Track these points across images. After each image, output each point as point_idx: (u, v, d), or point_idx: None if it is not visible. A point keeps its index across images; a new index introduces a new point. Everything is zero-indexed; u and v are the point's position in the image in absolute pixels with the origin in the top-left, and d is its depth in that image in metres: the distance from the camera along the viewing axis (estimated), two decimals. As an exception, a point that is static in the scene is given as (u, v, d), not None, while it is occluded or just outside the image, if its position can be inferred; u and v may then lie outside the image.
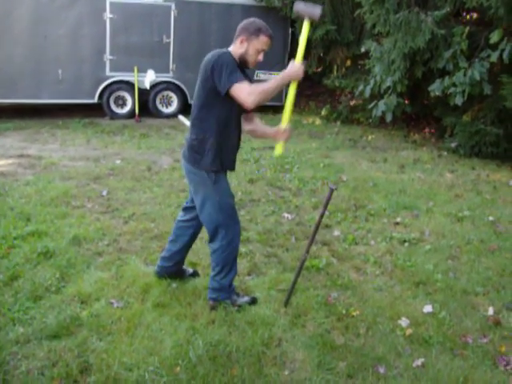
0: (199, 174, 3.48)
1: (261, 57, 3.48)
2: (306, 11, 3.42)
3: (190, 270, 4.25)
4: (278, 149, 3.60)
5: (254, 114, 3.79)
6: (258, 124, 3.81)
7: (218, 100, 3.35)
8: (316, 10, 3.41)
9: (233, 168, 3.66)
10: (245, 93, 3.21)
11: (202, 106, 3.42)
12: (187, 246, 4.01)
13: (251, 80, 3.49)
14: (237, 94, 3.23)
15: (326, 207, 3.50)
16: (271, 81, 3.33)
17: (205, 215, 3.58)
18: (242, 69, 3.46)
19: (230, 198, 3.61)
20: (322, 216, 3.52)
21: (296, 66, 3.33)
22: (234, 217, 3.62)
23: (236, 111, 3.48)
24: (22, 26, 10.74)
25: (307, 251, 3.65)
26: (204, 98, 3.40)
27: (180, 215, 3.97)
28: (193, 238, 3.97)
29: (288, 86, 3.42)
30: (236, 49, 3.42)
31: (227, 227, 3.57)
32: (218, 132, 3.44)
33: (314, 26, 12.41)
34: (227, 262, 3.64)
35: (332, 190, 3.41)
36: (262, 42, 3.40)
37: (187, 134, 3.60)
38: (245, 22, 3.46)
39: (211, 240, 3.64)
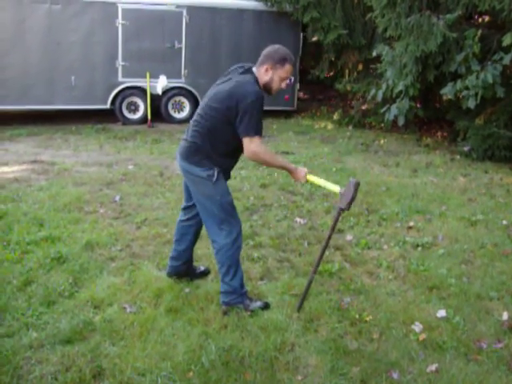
0: (199, 174, 3.53)
1: (284, 84, 3.59)
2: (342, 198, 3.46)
3: (201, 268, 4.34)
4: None
5: None
6: None
7: (232, 129, 3.44)
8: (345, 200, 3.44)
9: (227, 178, 3.73)
10: (254, 149, 3.39)
11: (216, 126, 3.49)
12: (192, 244, 4.10)
13: None
14: (248, 144, 3.38)
15: (333, 228, 3.54)
16: (280, 160, 3.69)
17: (207, 214, 3.64)
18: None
19: (230, 195, 3.66)
20: (329, 237, 3.57)
21: (303, 175, 3.61)
22: (234, 214, 3.66)
23: None
24: (35, 33, 10.85)
25: (314, 272, 3.68)
26: (220, 121, 3.47)
27: (180, 215, 4.06)
28: (196, 235, 4.06)
29: None
30: (261, 76, 3.52)
31: (230, 225, 3.61)
32: (222, 152, 3.54)
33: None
34: (233, 262, 3.65)
35: (341, 210, 3.45)
36: (286, 70, 3.52)
37: (187, 135, 3.65)
38: (269, 49, 3.56)
39: (214, 239, 3.67)
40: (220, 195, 3.55)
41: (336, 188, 3.51)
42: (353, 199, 3.40)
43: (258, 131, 3.38)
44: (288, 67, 3.50)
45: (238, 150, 3.53)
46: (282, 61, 3.48)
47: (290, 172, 3.65)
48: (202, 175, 3.51)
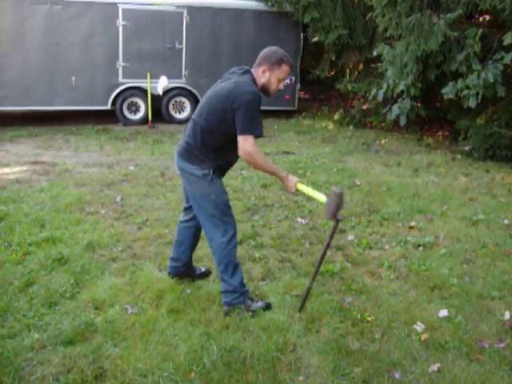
0: (195, 173, 3.55)
1: (282, 85, 3.61)
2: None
3: (202, 269, 4.34)
4: None
5: None
6: None
7: (230, 129, 3.43)
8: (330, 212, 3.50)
9: (222, 176, 3.74)
10: (248, 148, 3.36)
11: (213, 125, 3.50)
12: (192, 246, 4.11)
13: None
14: (243, 142, 3.36)
15: (331, 238, 3.56)
16: (272, 165, 3.63)
17: (202, 213, 3.65)
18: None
19: (225, 195, 3.66)
20: (328, 245, 3.58)
21: (293, 184, 3.59)
22: (229, 214, 3.68)
23: None
24: (35, 34, 10.84)
25: (313, 279, 3.69)
26: (217, 121, 3.48)
27: (181, 216, 4.08)
28: (196, 236, 4.07)
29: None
30: (258, 77, 3.54)
31: (226, 224, 3.63)
32: (220, 151, 3.56)
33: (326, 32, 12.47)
34: (230, 259, 3.66)
35: (338, 221, 3.49)
36: (283, 71, 3.54)
37: (186, 135, 3.66)
38: (266, 51, 3.59)
39: (211, 238, 3.68)
40: (214, 194, 3.56)
41: (323, 198, 3.52)
42: (337, 208, 3.43)
43: (252, 130, 3.36)
44: (285, 68, 3.52)
45: (234, 150, 3.49)
46: (279, 61, 3.50)
47: (281, 179, 3.63)
48: (198, 174, 3.53)
